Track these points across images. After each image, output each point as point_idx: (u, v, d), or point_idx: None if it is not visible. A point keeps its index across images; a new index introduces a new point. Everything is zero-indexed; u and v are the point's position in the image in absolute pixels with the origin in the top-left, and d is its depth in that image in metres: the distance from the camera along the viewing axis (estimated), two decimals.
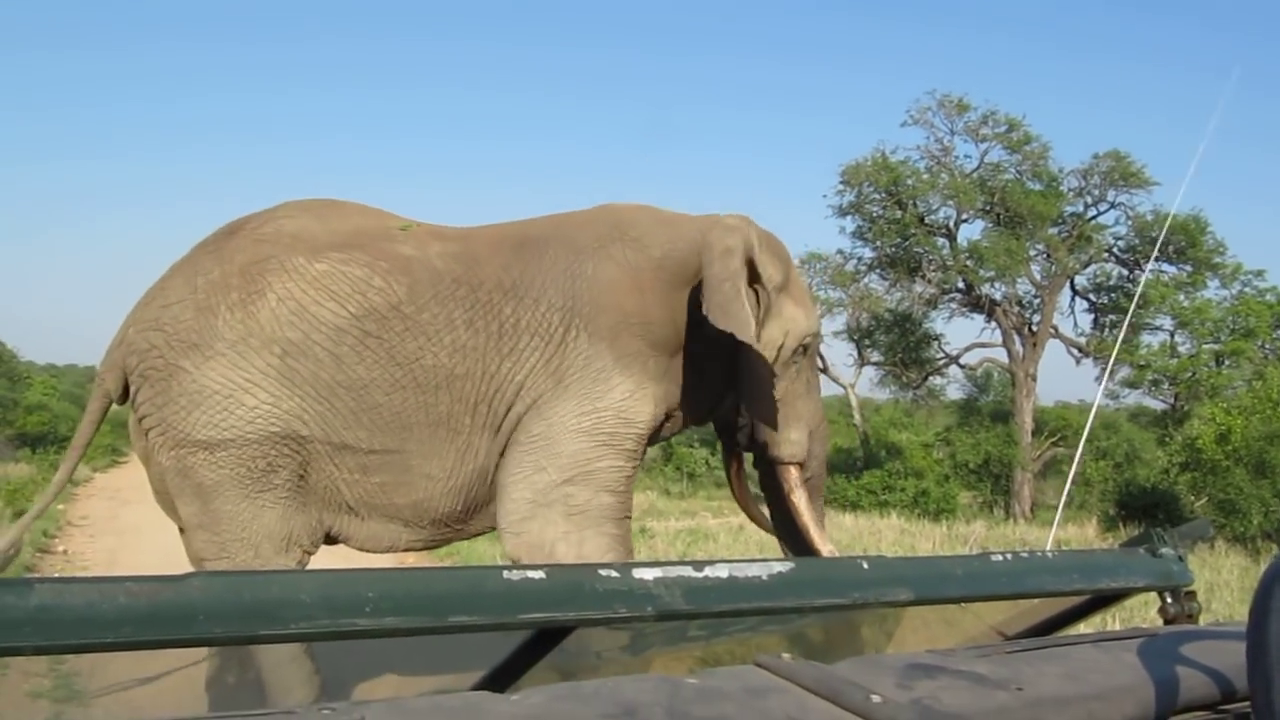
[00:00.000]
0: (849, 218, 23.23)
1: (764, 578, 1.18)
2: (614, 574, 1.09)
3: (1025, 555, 1.48)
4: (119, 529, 13.81)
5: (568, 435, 4.77)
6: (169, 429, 4.52)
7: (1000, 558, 1.45)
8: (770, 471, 5.48)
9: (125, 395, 4.72)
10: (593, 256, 4.93)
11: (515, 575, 1.04)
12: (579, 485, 4.80)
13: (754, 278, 5.10)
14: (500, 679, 1.20)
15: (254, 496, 4.56)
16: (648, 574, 1.10)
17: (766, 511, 5.71)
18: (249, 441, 4.51)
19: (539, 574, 1.05)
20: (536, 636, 1.16)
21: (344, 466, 4.66)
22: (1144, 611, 5.60)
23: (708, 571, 1.14)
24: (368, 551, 5.01)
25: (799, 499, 5.38)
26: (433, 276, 4.70)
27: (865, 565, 1.30)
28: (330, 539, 4.90)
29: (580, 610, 1.06)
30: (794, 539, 5.49)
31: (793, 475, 5.39)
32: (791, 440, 5.36)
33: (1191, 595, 1.65)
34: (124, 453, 36.56)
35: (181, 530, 4.88)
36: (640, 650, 1.68)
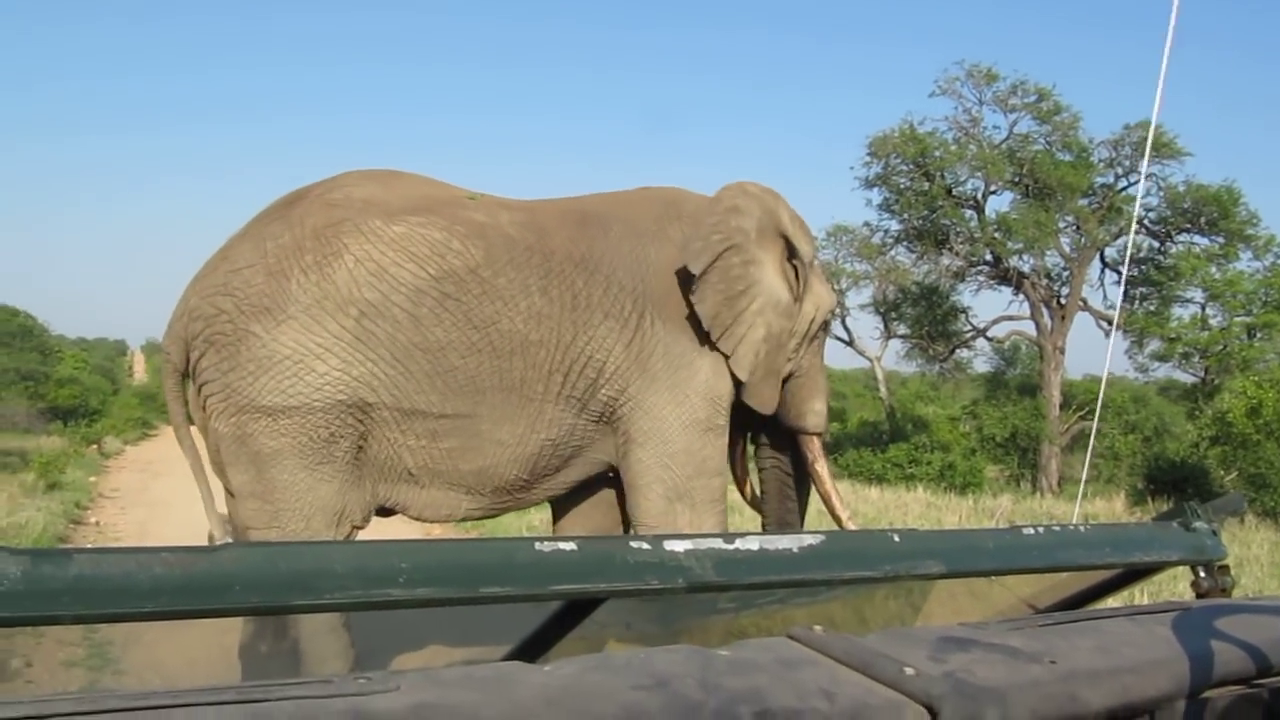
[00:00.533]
0: (876, 190, 23.06)
1: (795, 550, 1.18)
2: (645, 546, 1.09)
3: (1057, 529, 1.47)
4: (150, 501, 13.99)
5: (675, 430, 5.01)
6: (232, 394, 4.47)
7: (1032, 531, 1.44)
8: (789, 443, 5.67)
9: (188, 365, 4.65)
10: (654, 240, 5.07)
11: (547, 547, 1.04)
12: (697, 479, 5.08)
13: (791, 253, 5.35)
14: (531, 650, 1.20)
15: (313, 467, 4.53)
16: (678, 546, 1.10)
17: (764, 504, 5.86)
18: (315, 409, 4.47)
19: (570, 545, 1.05)
20: (567, 607, 1.16)
21: (411, 432, 4.65)
22: (1172, 586, 5.57)
23: (738, 544, 1.14)
24: (425, 520, 5.05)
25: (822, 467, 5.64)
26: (507, 242, 4.74)
27: (896, 538, 1.29)
28: (383, 511, 4.90)
29: (611, 581, 1.06)
30: (778, 511, 5.73)
31: (816, 445, 5.63)
32: (816, 411, 5.59)
33: (1225, 569, 1.64)
34: (155, 425, 36.96)
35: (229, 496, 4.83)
36: (670, 622, 1.68)
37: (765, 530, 5.70)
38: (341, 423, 4.52)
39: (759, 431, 5.76)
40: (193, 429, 4.86)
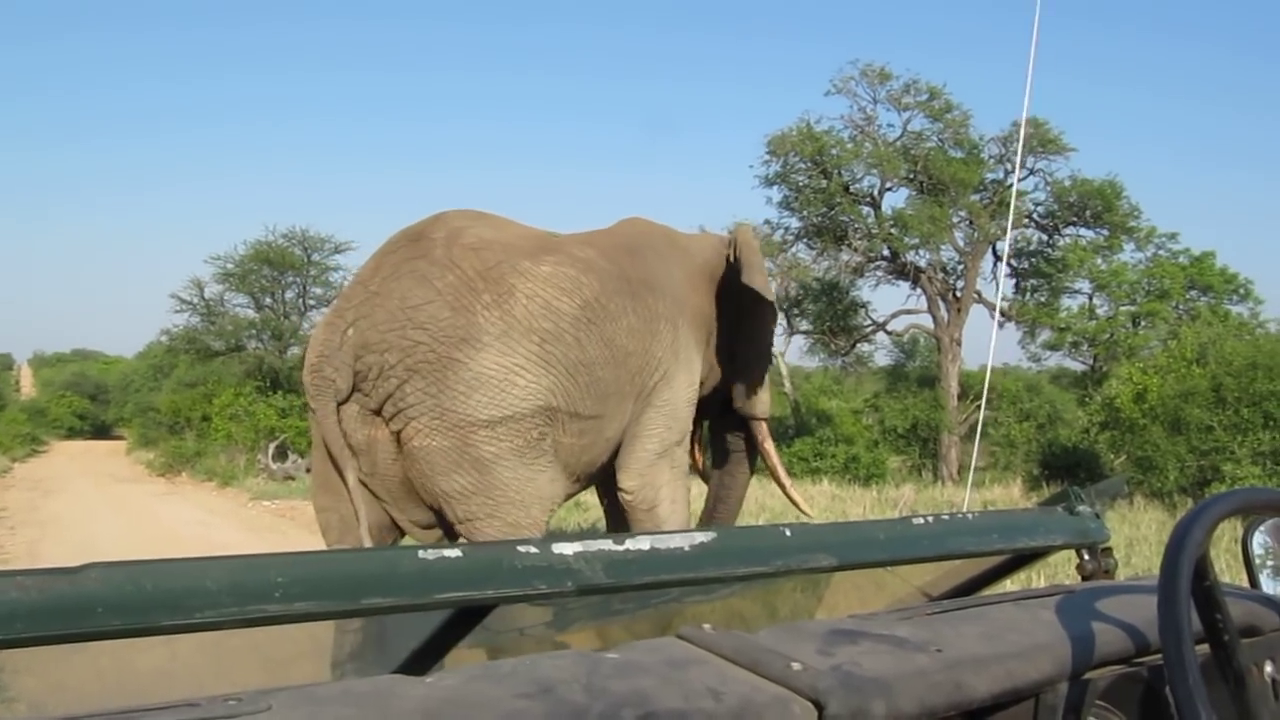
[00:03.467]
0: (775, 187, 23.33)
1: (686, 548, 1.18)
2: (533, 550, 1.07)
3: (946, 517, 1.50)
4: (40, 520, 13.47)
5: (681, 403, 6.18)
6: (445, 413, 5.18)
7: (921, 520, 1.46)
8: (742, 427, 7.01)
9: (350, 393, 5.27)
10: (669, 261, 6.34)
11: (431, 555, 1.02)
12: (679, 446, 6.27)
13: None
14: (420, 661, 1.18)
15: (530, 463, 5.35)
16: (568, 549, 1.09)
17: (712, 475, 7.33)
18: (524, 416, 5.30)
19: (456, 553, 1.03)
20: (457, 616, 1.14)
21: (570, 432, 5.57)
22: (1066, 569, 5.73)
23: (629, 544, 1.13)
24: None
25: (770, 446, 7.10)
26: (603, 273, 5.76)
27: (788, 533, 1.30)
28: None
29: (499, 588, 1.04)
30: (729, 490, 7.10)
31: (764, 429, 7.06)
32: (764, 400, 6.95)
33: (1108, 552, 1.68)
34: (44, 442, 35.54)
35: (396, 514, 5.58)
36: (565, 626, 1.67)
37: (710, 494, 7.26)
38: (544, 423, 5.40)
39: (717, 416, 7.08)
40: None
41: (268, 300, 27.52)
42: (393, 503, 5.48)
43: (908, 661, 1.01)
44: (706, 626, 1.04)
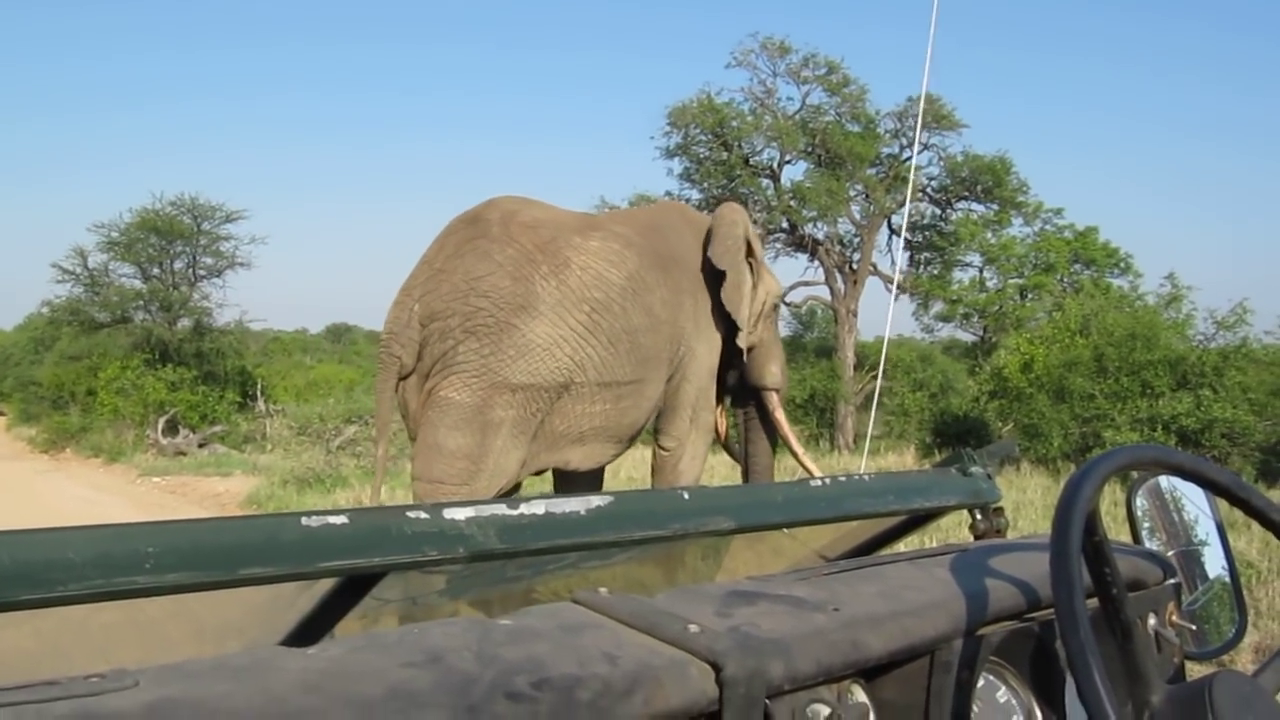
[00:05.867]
0: (676, 159, 23.38)
1: (582, 513, 1.16)
2: (423, 515, 1.04)
3: (843, 479, 1.51)
4: None
5: (704, 372, 6.71)
6: (487, 372, 5.53)
7: (819, 483, 1.47)
8: (755, 399, 7.35)
9: (414, 363, 5.67)
10: (687, 237, 6.76)
11: (315, 521, 0.98)
12: (705, 410, 6.84)
13: (749, 253, 6.89)
14: (308, 632, 1.14)
15: (517, 435, 5.66)
16: (459, 514, 1.06)
17: (738, 447, 7.71)
18: (544, 388, 5.66)
19: (341, 519, 0.99)
20: (345, 585, 1.10)
21: (602, 399, 5.94)
22: (958, 532, 5.91)
23: (523, 509, 1.11)
24: (579, 469, 6.27)
25: (781, 416, 7.41)
26: (640, 249, 6.19)
27: (686, 496, 1.29)
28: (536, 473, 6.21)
29: (386, 555, 1.00)
30: (756, 458, 7.49)
31: (774, 399, 7.34)
32: (773, 372, 7.29)
33: (1000, 511, 1.72)
34: None
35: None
36: (460, 594, 1.64)
37: (743, 464, 7.63)
38: (548, 400, 5.71)
39: (733, 389, 7.40)
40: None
41: (155, 270, 26.52)
42: None
43: (805, 621, 1.01)
44: (602, 590, 1.03)
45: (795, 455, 7.75)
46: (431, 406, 5.63)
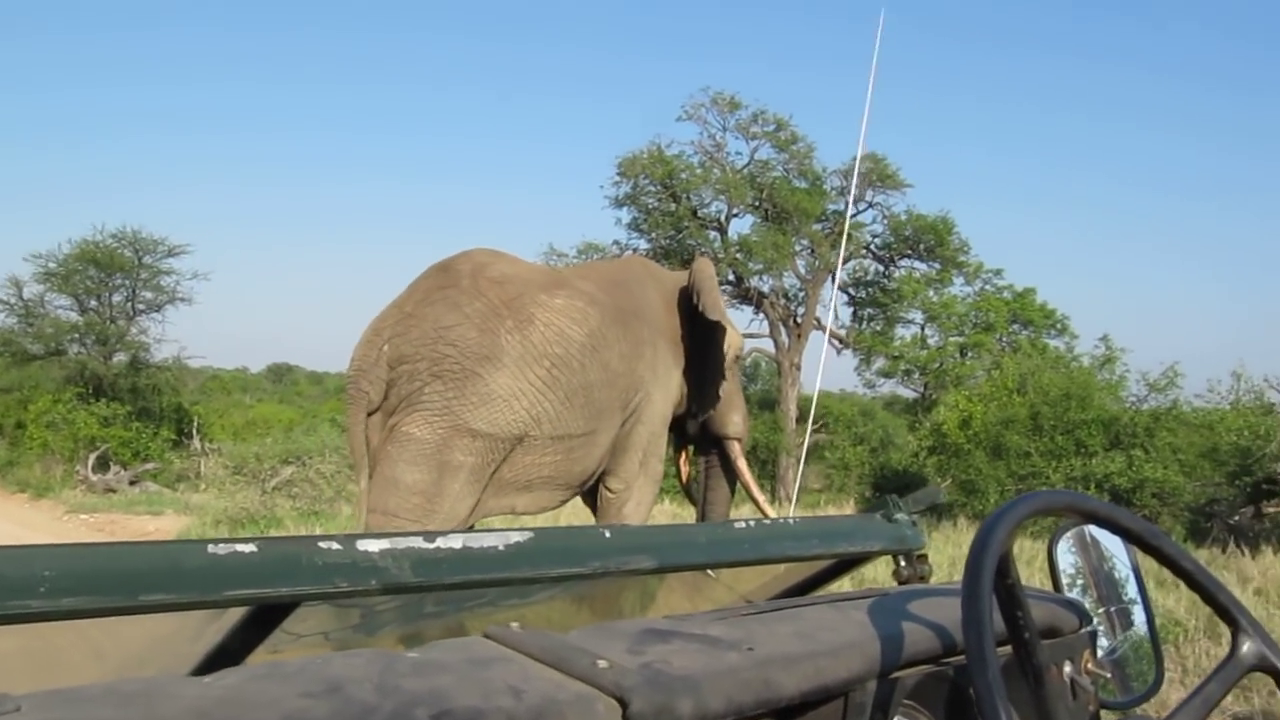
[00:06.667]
0: (625, 209, 23.55)
1: (500, 548, 1.15)
2: (335, 546, 1.02)
3: (768, 523, 1.50)
4: None
5: (658, 419, 6.92)
6: (451, 414, 5.74)
7: (743, 524, 1.47)
8: (718, 447, 7.60)
9: (381, 400, 5.87)
10: (649, 290, 7.09)
11: (222, 549, 0.96)
12: (654, 457, 7.03)
13: None
14: (217, 664, 1.11)
15: (472, 483, 5.84)
16: (374, 545, 1.04)
17: (697, 495, 7.93)
18: (502, 439, 5.86)
19: (250, 547, 0.97)
20: (255, 616, 1.07)
21: (554, 451, 6.11)
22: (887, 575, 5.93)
23: (439, 542, 1.10)
24: (525, 513, 6.50)
25: (743, 464, 7.65)
26: (603, 306, 6.43)
27: (607, 534, 1.28)
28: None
29: (296, 585, 0.98)
30: (714, 505, 7.70)
31: (736, 447, 7.60)
32: (735, 421, 7.55)
33: (923, 558, 1.73)
34: None
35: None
36: (375, 629, 1.60)
37: (702, 509, 7.84)
38: (503, 450, 5.90)
39: (697, 438, 7.66)
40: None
41: (93, 303, 26.07)
42: None
43: (718, 659, 1.00)
44: (514, 625, 1.01)
45: (756, 502, 7.99)
46: (392, 441, 5.82)
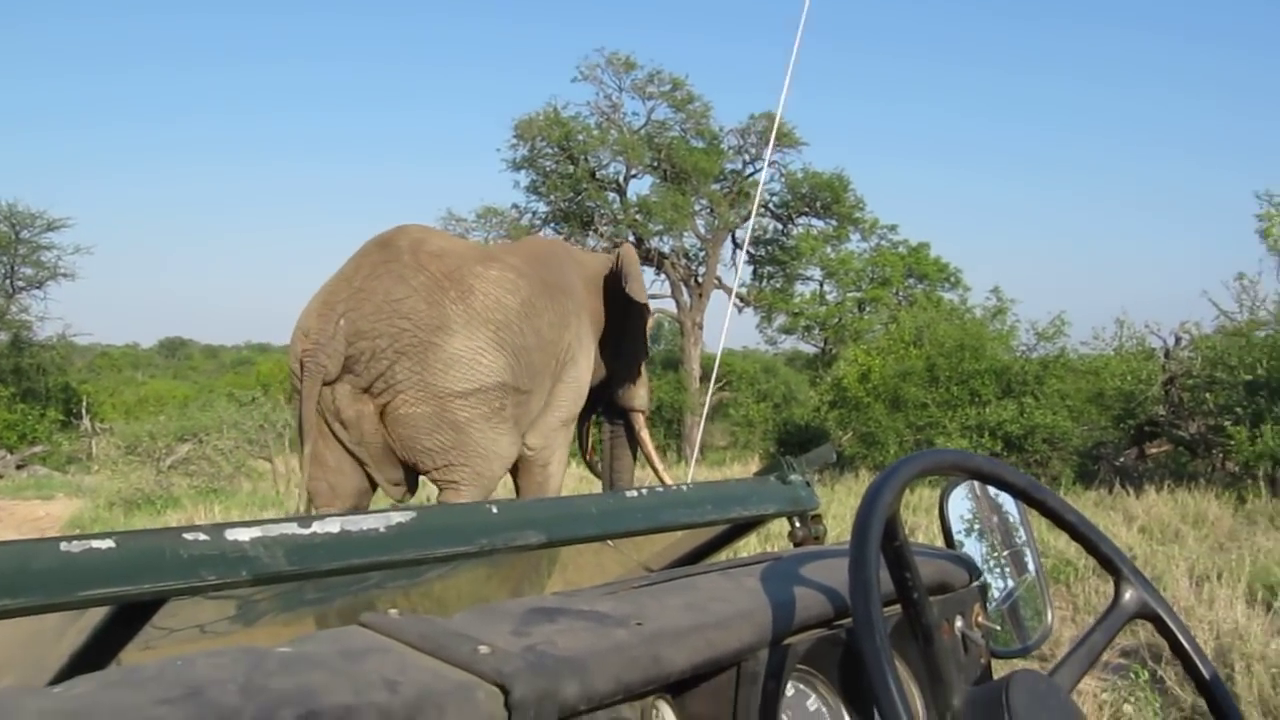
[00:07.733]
0: (523, 172, 23.31)
1: (381, 530, 1.10)
2: (202, 537, 0.97)
3: (660, 490, 1.48)
4: None
5: (583, 383, 7.53)
6: (428, 386, 6.31)
7: (635, 493, 1.44)
8: (624, 418, 8.38)
9: (339, 375, 6.27)
10: (570, 269, 7.67)
11: (76, 547, 0.90)
12: (573, 421, 7.61)
13: None
14: (82, 668, 1.04)
15: (494, 427, 6.54)
16: (243, 534, 0.99)
17: (601, 462, 8.69)
18: (489, 388, 6.46)
19: (107, 544, 0.91)
20: (119, 615, 1.01)
21: (514, 404, 6.69)
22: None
23: (315, 527, 1.05)
24: None
25: (646, 435, 8.46)
26: (531, 278, 6.96)
27: (494, 510, 1.24)
28: None
29: (160, 581, 0.93)
30: (619, 473, 8.43)
31: (640, 419, 8.41)
32: (641, 395, 8.39)
33: (818, 519, 1.73)
34: None
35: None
36: (252, 621, 1.54)
37: (605, 478, 8.51)
38: (505, 395, 6.55)
39: (605, 408, 8.36)
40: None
41: None
42: (375, 465, 6.57)
43: (605, 637, 0.98)
44: (393, 611, 0.97)
45: (655, 470, 8.71)
46: (398, 426, 6.41)
